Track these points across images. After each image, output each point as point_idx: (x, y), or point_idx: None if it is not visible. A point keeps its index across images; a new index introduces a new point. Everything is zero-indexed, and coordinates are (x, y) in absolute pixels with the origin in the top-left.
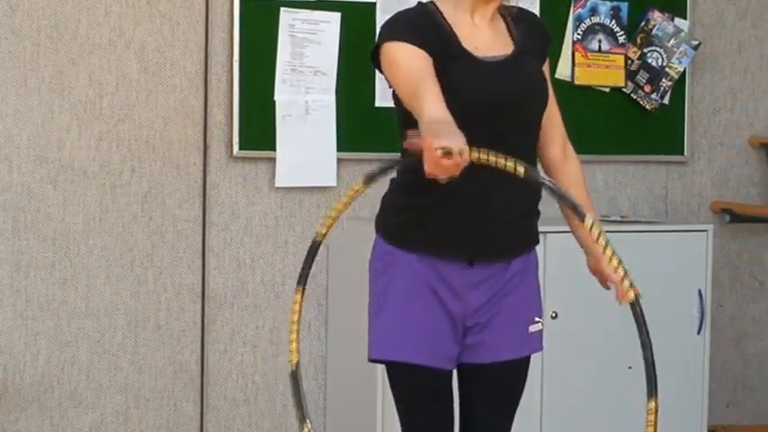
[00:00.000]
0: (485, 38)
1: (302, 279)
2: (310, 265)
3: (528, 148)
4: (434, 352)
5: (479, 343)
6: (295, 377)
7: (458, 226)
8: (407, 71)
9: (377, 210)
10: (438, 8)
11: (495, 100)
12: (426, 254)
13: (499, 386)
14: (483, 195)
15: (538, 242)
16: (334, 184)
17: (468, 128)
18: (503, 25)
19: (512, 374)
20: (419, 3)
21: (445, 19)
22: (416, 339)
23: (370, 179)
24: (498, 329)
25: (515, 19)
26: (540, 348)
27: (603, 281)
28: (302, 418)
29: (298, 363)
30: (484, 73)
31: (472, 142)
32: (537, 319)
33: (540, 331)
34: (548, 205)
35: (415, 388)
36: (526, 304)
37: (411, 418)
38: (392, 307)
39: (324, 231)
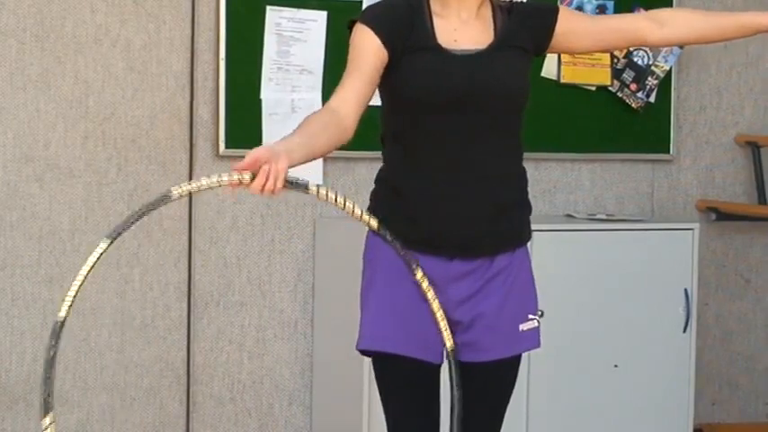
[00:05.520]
0: (469, 32)
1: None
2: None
3: (495, 142)
4: (423, 345)
5: (464, 343)
6: None
7: (433, 228)
8: (351, 58)
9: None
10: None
11: (453, 92)
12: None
13: (486, 385)
14: (452, 197)
15: (529, 238)
16: (320, 182)
17: (429, 119)
18: (491, 18)
19: (499, 374)
20: None
21: (430, 12)
22: (405, 332)
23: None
24: (483, 330)
25: (507, 12)
26: (536, 346)
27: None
28: None
29: None
30: (448, 66)
31: (436, 133)
32: (531, 316)
33: (536, 328)
34: (534, 205)
35: (402, 380)
36: (515, 303)
37: (397, 412)
38: (378, 299)
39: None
